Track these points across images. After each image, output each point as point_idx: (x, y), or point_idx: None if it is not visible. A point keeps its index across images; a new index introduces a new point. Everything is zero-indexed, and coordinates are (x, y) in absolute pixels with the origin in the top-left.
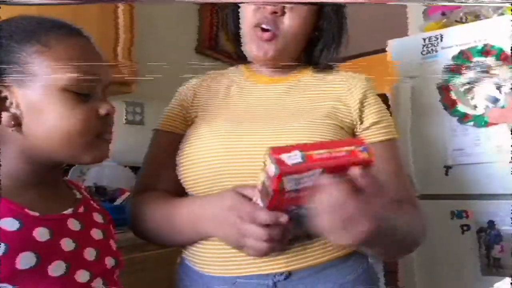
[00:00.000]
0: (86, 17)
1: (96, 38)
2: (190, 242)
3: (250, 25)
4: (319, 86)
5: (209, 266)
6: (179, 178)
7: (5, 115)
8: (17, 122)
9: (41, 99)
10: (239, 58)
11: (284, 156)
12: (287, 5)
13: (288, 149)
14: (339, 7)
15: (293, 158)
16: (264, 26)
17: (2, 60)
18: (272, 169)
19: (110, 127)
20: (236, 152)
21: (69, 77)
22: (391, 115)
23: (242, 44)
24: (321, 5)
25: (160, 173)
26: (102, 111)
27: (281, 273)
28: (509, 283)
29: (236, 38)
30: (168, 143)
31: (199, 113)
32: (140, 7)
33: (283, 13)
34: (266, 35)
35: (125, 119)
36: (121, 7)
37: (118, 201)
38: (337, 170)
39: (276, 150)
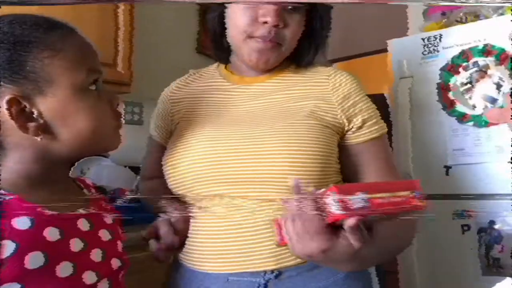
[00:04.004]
0: (86, 17)
1: (96, 38)
2: None
3: (246, 36)
4: (301, 84)
5: (202, 263)
6: (165, 174)
7: (31, 125)
8: (45, 131)
9: (64, 102)
10: (221, 60)
11: (348, 199)
12: (288, 17)
13: (352, 189)
14: (327, 5)
15: (356, 201)
16: (267, 37)
17: (14, 71)
18: (335, 210)
19: (121, 114)
20: (220, 157)
21: (85, 76)
22: (389, 116)
23: (229, 47)
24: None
25: (148, 173)
26: (115, 102)
27: (272, 271)
28: (510, 283)
29: (220, 41)
30: (156, 152)
31: (181, 118)
32: (140, 7)
33: (286, 25)
34: (270, 44)
35: (124, 119)
36: (121, 7)
37: (118, 201)
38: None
39: (341, 190)
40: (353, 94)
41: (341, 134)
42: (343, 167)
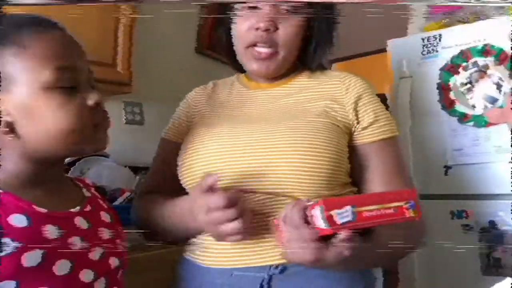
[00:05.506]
0: (86, 17)
1: (96, 38)
2: (184, 236)
3: (244, 45)
4: (315, 87)
5: (207, 258)
6: (180, 179)
7: None
8: (11, 129)
9: (30, 102)
10: (237, 70)
11: (334, 213)
12: (279, 19)
13: (340, 203)
14: (327, 5)
15: (344, 216)
16: (260, 47)
17: None
18: (321, 224)
19: (103, 114)
20: (233, 153)
21: (52, 75)
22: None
23: (238, 59)
24: (310, 5)
25: (164, 180)
26: (90, 101)
27: (276, 266)
28: (510, 283)
29: (231, 53)
30: (172, 153)
31: (199, 118)
32: (140, 7)
33: (277, 29)
34: (264, 54)
35: (125, 119)
36: (121, 7)
37: (118, 201)
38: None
39: (329, 204)
40: (365, 95)
41: (350, 134)
42: (352, 168)
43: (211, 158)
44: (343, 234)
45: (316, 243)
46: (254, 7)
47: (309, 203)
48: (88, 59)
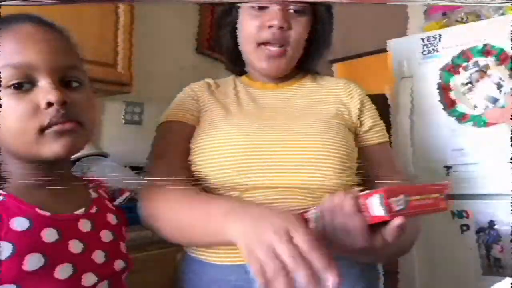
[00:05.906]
0: (86, 17)
1: (96, 38)
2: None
3: (255, 43)
4: (321, 90)
5: (218, 255)
6: (193, 164)
7: None
8: None
9: None
10: (235, 72)
11: (392, 201)
12: (291, 19)
13: (396, 191)
14: (329, 7)
15: (399, 204)
16: (271, 45)
17: None
18: (379, 211)
19: (62, 116)
20: (256, 147)
21: (3, 73)
22: (389, 116)
23: (243, 60)
24: (314, 7)
25: (172, 155)
26: (42, 102)
27: None
28: (510, 283)
29: (234, 55)
30: (180, 131)
31: (208, 111)
32: (140, 7)
33: (290, 28)
34: (277, 51)
35: (124, 119)
36: (121, 7)
37: (117, 201)
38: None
39: (388, 192)
40: (366, 102)
41: (356, 135)
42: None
43: (235, 147)
44: (400, 219)
45: (367, 232)
46: (264, 7)
47: (362, 193)
48: (89, 59)
